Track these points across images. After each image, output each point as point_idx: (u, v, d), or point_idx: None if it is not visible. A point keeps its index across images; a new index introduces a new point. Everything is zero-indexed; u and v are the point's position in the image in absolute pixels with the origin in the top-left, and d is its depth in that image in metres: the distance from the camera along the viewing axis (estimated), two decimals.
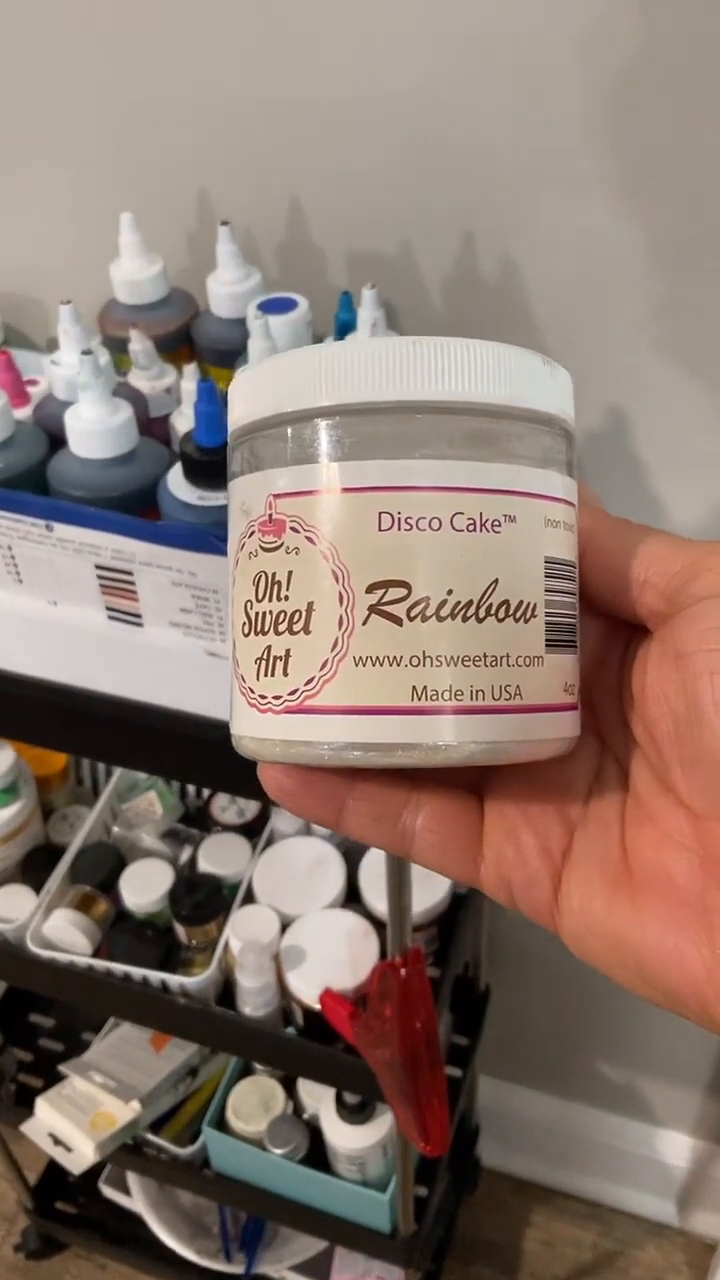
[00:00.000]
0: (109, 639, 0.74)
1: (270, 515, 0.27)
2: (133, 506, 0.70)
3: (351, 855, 1.09)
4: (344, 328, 0.80)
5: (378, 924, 1.02)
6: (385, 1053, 0.88)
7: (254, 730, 0.27)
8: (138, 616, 0.73)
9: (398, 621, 0.26)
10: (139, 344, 0.79)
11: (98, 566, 0.71)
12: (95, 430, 0.70)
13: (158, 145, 0.83)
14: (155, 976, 1.00)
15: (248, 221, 0.83)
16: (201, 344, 0.83)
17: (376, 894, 1.04)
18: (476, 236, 0.78)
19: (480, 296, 0.81)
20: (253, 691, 0.27)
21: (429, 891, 1.05)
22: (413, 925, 0.87)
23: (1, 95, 0.85)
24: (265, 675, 0.27)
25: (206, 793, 1.21)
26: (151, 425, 0.78)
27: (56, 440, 0.74)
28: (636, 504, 0.88)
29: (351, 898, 1.07)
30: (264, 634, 0.27)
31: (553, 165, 0.73)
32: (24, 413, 0.79)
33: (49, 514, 0.69)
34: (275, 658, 0.27)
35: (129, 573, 0.70)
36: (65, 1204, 1.50)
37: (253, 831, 1.15)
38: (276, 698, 0.27)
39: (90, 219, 0.88)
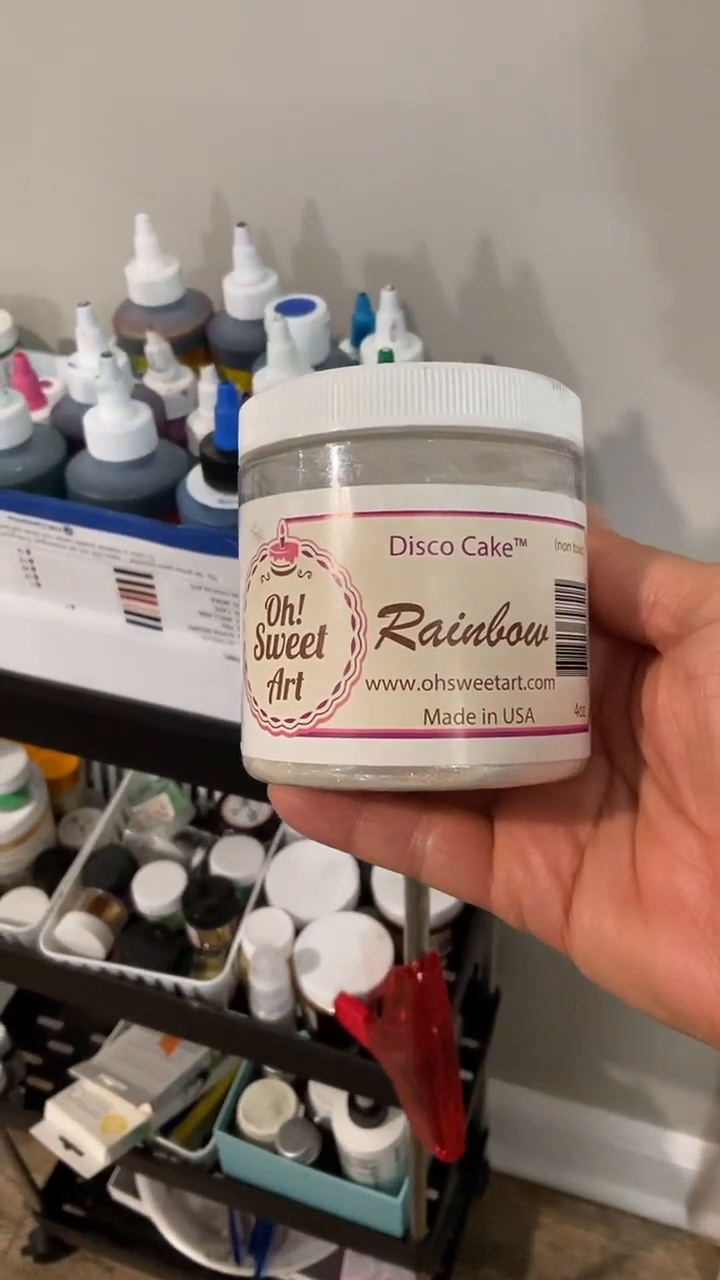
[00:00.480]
0: (128, 643, 0.74)
1: (282, 539, 0.27)
2: (152, 509, 0.70)
3: None
4: (361, 330, 0.79)
5: (391, 927, 1.02)
6: (400, 1057, 0.88)
7: (265, 753, 0.28)
8: (156, 620, 0.73)
9: (410, 645, 0.26)
10: (155, 346, 0.79)
11: (117, 570, 0.71)
12: (115, 433, 0.70)
13: (173, 147, 0.83)
14: (168, 980, 1.00)
15: (262, 223, 0.83)
16: (217, 345, 0.83)
17: (390, 897, 1.03)
18: (491, 240, 0.78)
19: (495, 300, 0.81)
20: (264, 714, 0.27)
21: (443, 895, 1.04)
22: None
23: (16, 95, 0.85)
24: (277, 698, 0.27)
25: (218, 795, 1.21)
26: (168, 427, 0.78)
27: (74, 443, 0.74)
28: (652, 508, 0.87)
29: (365, 901, 1.07)
30: (276, 657, 0.27)
31: (565, 170, 0.73)
32: (41, 415, 0.79)
33: (68, 517, 0.69)
34: (288, 681, 0.27)
35: (148, 576, 0.70)
36: (73, 1207, 1.49)
37: (265, 834, 1.15)
38: (289, 720, 0.27)
39: (104, 220, 0.88)
